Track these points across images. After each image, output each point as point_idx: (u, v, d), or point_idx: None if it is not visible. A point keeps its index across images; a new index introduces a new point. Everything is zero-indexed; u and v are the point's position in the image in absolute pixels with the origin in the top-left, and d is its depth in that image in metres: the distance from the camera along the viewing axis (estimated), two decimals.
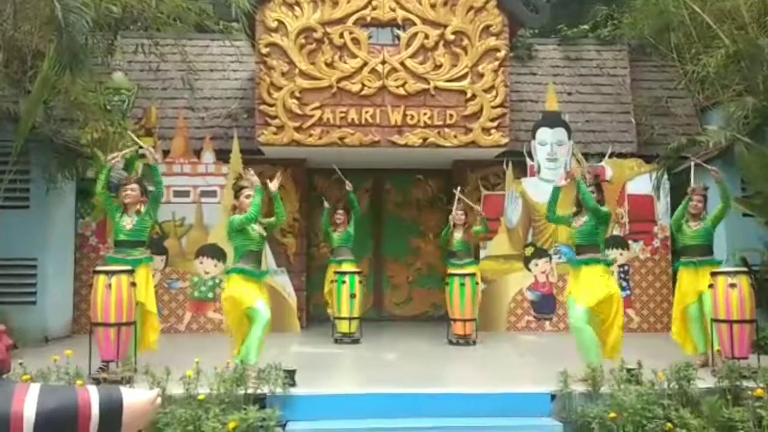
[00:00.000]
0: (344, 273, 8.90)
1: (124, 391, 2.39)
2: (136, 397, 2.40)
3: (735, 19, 9.12)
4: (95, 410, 2.27)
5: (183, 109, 10.51)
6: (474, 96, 9.62)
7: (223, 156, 10.12)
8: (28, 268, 8.75)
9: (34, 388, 2.27)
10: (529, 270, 10.26)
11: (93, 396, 2.29)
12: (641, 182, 10.26)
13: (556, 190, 6.64)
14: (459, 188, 9.47)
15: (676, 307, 7.26)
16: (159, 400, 2.50)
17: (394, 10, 9.64)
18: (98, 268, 6.45)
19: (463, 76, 9.64)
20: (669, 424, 5.18)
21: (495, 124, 9.63)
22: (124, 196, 6.80)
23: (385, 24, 9.68)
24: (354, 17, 9.63)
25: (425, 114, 9.57)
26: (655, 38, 11.08)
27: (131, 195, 6.78)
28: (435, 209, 11.70)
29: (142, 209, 6.84)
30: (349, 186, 9.53)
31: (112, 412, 2.31)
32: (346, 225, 9.59)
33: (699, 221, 7.11)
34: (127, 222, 6.73)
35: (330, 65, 9.59)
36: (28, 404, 2.19)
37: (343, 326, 8.82)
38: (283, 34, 9.59)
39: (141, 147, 7.16)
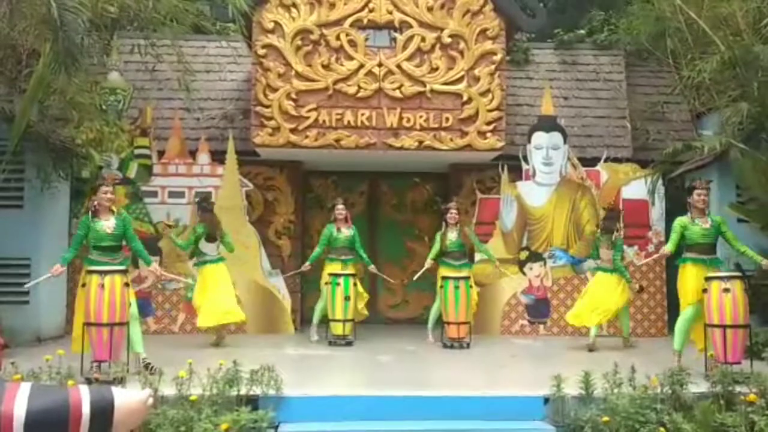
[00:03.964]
0: (338, 275, 8.87)
1: (116, 391, 2.37)
2: (128, 398, 2.38)
3: (730, 26, 9.16)
4: (86, 410, 2.25)
5: (179, 109, 10.49)
6: (470, 99, 9.63)
7: (218, 157, 10.11)
8: (21, 268, 8.70)
9: (25, 388, 2.25)
10: (524, 274, 10.26)
11: (84, 396, 2.28)
12: (636, 187, 10.27)
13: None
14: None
15: (683, 304, 7.05)
16: (151, 400, 2.48)
17: (390, 13, 9.65)
18: (91, 268, 6.42)
19: (460, 79, 9.65)
20: (662, 429, 5.18)
21: (491, 127, 9.64)
22: (109, 200, 6.69)
23: (382, 26, 9.70)
24: (351, 19, 9.64)
25: (421, 117, 9.58)
26: (652, 44, 11.12)
27: (113, 199, 6.81)
28: (431, 212, 11.70)
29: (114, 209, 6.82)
30: None
31: (103, 412, 2.29)
32: (350, 222, 9.35)
33: (705, 217, 7.03)
34: (107, 225, 6.61)
35: (326, 67, 9.60)
36: (19, 404, 2.17)
37: (337, 328, 8.80)
38: (280, 36, 9.60)
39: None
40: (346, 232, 9.23)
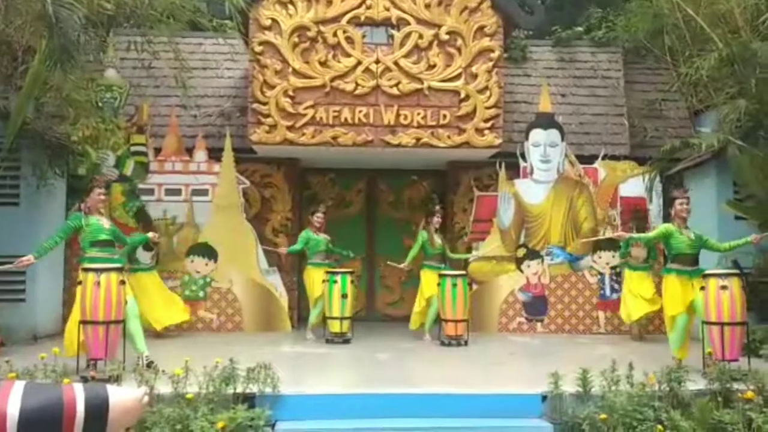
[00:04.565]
0: (336, 273, 8.86)
1: (111, 389, 2.36)
2: (123, 396, 2.37)
3: (728, 23, 9.15)
4: (80, 408, 2.24)
5: (175, 107, 10.44)
6: (468, 96, 9.61)
7: (215, 154, 10.08)
8: None
9: (19, 386, 2.23)
10: (521, 271, 10.25)
11: (78, 394, 2.26)
12: (634, 184, 10.26)
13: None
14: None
15: (668, 314, 7.06)
16: (146, 398, 2.46)
17: (388, 10, 9.63)
18: (87, 266, 6.39)
19: (457, 77, 9.63)
20: (659, 426, 5.18)
21: (488, 124, 9.62)
22: (99, 201, 6.80)
23: (379, 23, 9.67)
24: (348, 16, 9.61)
25: (419, 114, 9.56)
26: (649, 41, 11.11)
27: (104, 200, 6.93)
28: (428, 210, 11.67)
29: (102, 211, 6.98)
30: None
31: (97, 411, 2.27)
32: (324, 228, 9.46)
33: (688, 228, 7.05)
34: (104, 222, 6.79)
35: (323, 64, 9.57)
36: (12, 402, 2.15)
37: (335, 326, 8.78)
38: (277, 33, 9.57)
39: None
40: (323, 237, 9.36)
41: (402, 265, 9.43)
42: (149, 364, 6.35)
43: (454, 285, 8.68)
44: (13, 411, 2.13)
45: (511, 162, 10.33)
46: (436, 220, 9.29)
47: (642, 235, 7.83)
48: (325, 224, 9.46)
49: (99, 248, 6.65)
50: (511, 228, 10.32)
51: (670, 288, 7.02)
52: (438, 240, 9.31)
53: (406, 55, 9.64)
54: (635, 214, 9.75)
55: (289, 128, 9.48)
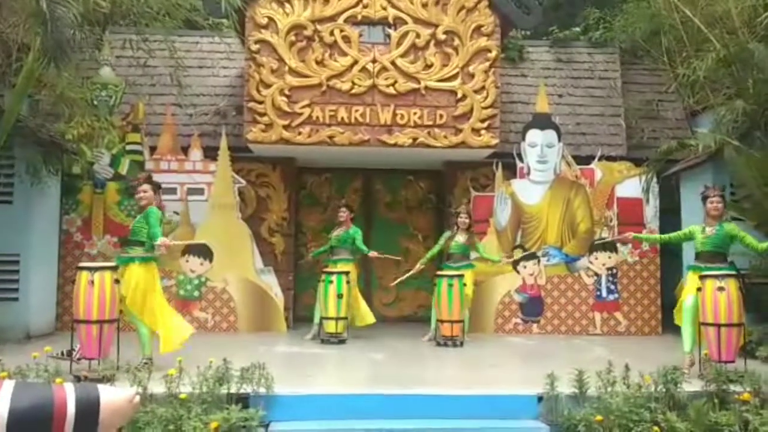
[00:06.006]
0: (331, 273, 8.82)
1: (102, 389, 2.32)
2: (115, 396, 2.33)
3: (725, 24, 9.13)
4: (71, 408, 2.20)
5: (171, 105, 10.39)
6: (464, 96, 9.59)
7: (211, 153, 10.03)
8: (10, 264, 8.63)
9: (8, 385, 2.20)
10: (518, 272, 10.23)
11: (69, 394, 2.22)
12: (630, 185, 10.24)
13: None
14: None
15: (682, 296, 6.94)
16: (138, 398, 2.43)
17: (385, 9, 9.60)
18: (81, 264, 6.36)
19: (454, 76, 9.61)
20: (656, 428, 5.15)
21: (485, 125, 9.60)
22: (139, 199, 6.76)
23: (376, 22, 9.64)
24: (345, 15, 9.58)
25: (415, 114, 9.53)
26: (647, 42, 11.10)
27: (146, 197, 6.74)
28: (425, 210, 11.66)
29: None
30: None
31: (88, 411, 2.24)
32: (349, 224, 9.37)
33: (716, 225, 6.82)
34: (130, 222, 6.90)
35: (320, 63, 9.53)
36: (1, 402, 2.12)
37: (330, 326, 8.74)
38: (273, 31, 9.53)
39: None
40: (338, 233, 9.32)
41: (410, 273, 9.41)
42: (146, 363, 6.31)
43: (450, 285, 8.65)
44: (2, 411, 2.09)
45: (508, 162, 10.31)
46: (461, 221, 9.20)
47: (650, 236, 7.43)
48: (351, 216, 9.45)
49: (126, 247, 6.84)
50: (508, 228, 10.29)
51: (687, 283, 6.95)
52: (460, 239, 9.19)
53: (403, 55, 9.61)
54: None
55: (285, 127, 9.44)
